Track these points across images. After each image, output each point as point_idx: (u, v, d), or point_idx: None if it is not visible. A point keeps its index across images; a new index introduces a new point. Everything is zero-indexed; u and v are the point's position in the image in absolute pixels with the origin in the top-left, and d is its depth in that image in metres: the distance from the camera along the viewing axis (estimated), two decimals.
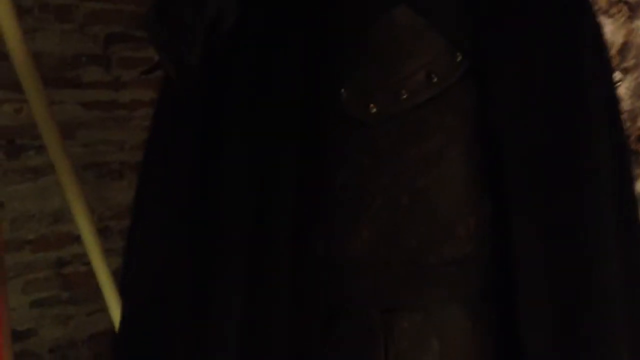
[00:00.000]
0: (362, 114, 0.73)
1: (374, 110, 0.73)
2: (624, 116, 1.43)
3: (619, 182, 0.79)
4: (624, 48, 1.43)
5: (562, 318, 0.73)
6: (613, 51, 1.44)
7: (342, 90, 0.73)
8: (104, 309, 1.31)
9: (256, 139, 0.73)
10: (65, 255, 2.16)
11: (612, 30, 1.44)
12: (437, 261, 0.73)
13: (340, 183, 0.73)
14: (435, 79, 0.73)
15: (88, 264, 1.60)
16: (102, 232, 2.28)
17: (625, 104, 1.43)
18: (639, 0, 1.43)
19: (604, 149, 0.77)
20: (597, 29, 0.83)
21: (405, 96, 0.73)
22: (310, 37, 0.73)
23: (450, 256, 0.73)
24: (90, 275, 1.49)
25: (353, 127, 0.73)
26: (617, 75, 1.44)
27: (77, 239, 1.93)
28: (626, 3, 1.44)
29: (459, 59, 0.73)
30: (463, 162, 0.73)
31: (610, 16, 1.45)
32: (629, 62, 1.43)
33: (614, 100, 0.83)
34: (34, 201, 2.03)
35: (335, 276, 0.75)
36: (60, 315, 2.16)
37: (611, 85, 0.84)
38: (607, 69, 0.83)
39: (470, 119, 0.73)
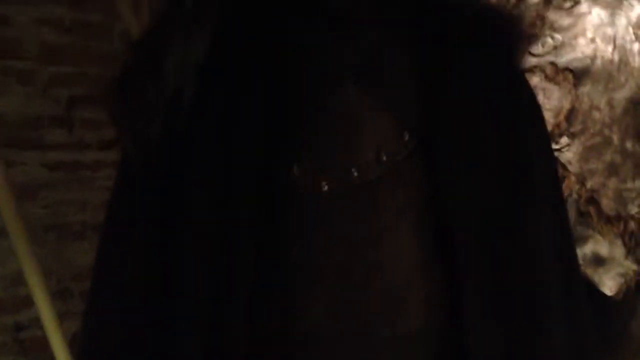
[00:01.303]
0: (313, 190, 0.76)
1: (326, 187, 0.75)
2: (573, 179, 1.50)
3: (564, 252, 0.83)
4: (571, 114, 1.51)
5: None
6: (560, 117, 1.51)
7: (295, 166, 0.76)
8: None
9: (212, 212, 0.74)
10: (22, 319, 2.14)
11: (558, 97, 1.52)
12: (390, 335, 0.75)
13: (295, 258, 0.76)
14: (384, 158, 0.76)
15: None
16: (63, 294, 2.26)
17: (574, 167, 1.49)
18: (584, 68, 1.52)
19: (549, 216, 0.81)
20: (535, 101, 0.87)
21: (355, 174, 0.75)
22: (267, 113, 0.76)
23: (403, 330, 0.75)
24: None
25: (305, 204, 0.76)
26: (564, 139, 1.51)
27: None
28: (571, 71, 1.52)
29: (406, 137, 0.77)
30: (413, 236, 0.76)
31: (557, 83, 1.53)
32: (576, 127, 1.50)
33: (555, 170, 0.88)
34: None
35: (290, 350, 0.76)
36: None
37: (551, 155, 0.88)
38: (546, 138, 0.87)
39: (419, 194, 0.77)
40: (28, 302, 2.13)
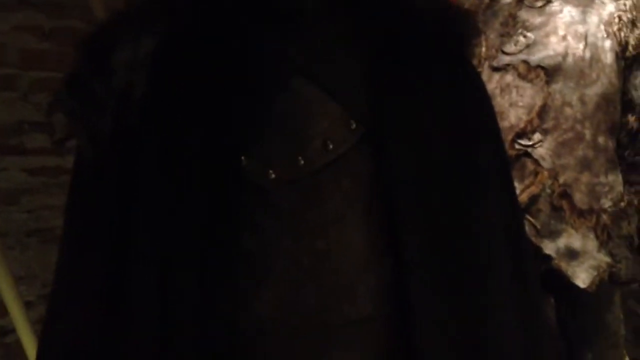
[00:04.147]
0: (261, 179, 0.78)
1: (273, 176, 0.78)
2: (546, 174, 1.55)
3: (513, 239, 0.87)
4: (543, 110, 1.55)
5: None
6: (533, 114, 1.56)
7: (243, 157, 0.78)
8: None
9: (163, 205, 0.77)
10: (7, 324, 2.16)
11: (531, 94, 1.56)
12: (340, 322, 0.78)
13: (243, 248, 0.78)
14: (330, 146, 0.79)
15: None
16: (47, 299, 2.29)
17: (547, 163, 1.54)
18: (556, 65, 1.56)
19: (497, 206, 0.85)
20: (483, 92, 0.90)
21: (302, 162, 0.78)
22: (214, 107, 0.78)
23: (352, 317, 0.78)
24: None
25: (254, 193, 0.78)
26: (537, 136, 1.55)
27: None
28: (543, 68, 1.56)
29: (353, 126, 0.79)
30: (361, 225, 0.79)
31: (529, 81, 1.57)
32: (549, 124, 1.55)
33: (504, 159, 0.91)
34: None
35: (242, 339, 0.79)
36: None
37: (499, 144, 0.91)
38: (494, 128, 0.90)
39: (366, 183, 0.79)
40: None
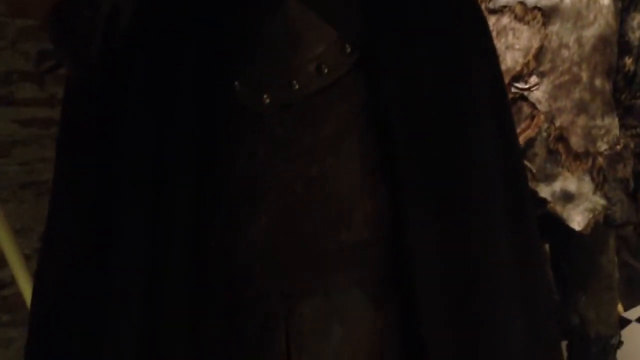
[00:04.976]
0: (255, 104, 0.78)
1: (267, 101, 0.78)
2: (542, 117, 1.54)
3: (510, 173, 0.87)
4: (540, 53, 1.54)
5: (456, 299, 0.79)
6: (529, 56, 1.54)
7: (236, 82, 0.78)
8: None
9: (154, 132, 0.77)
10: (4, 276, 2.17)
11: (528, 36, 1.55)
12: (335, 247, 0.78)
13: (237, 173, 0.78)
14: (325, 70, 0.78)
15: None
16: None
17: (543, 106, 1.53)
18: (553, 6, 1.54)
19: (489, 133, 0.84)
20: (480, 18, 0.89)
21: (297, 87, 0.78)
22: (206, 31, 0.77)
23: (347, 242, 0.79)
24: None
25: (248, 119, 0.78)
26: (534, 79, 1.54)
27: None
28: (540, 10, 1.54)
29: (348, 50, 0.79)
30: (357, 151, 0.79)
31: (526, 23, 1.55)
32: (545, 66, 1.53)
33: (499, 89, 0.90)
34: None
35: (235, 265, 0.79)
36: (1, 339, 2.17)
37: (497, 81, 0.91)
38: (490, 60, 0.90)
39: (362, 109, 0.79)
40: None
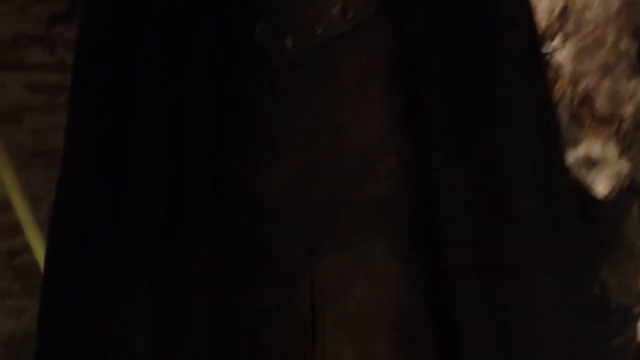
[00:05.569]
0: (277, 49, 0.76)
1: (290, 45, 0.75)
2: (566, 81, 1.51)
3: (539, 122, 0.83)
4: (564, 14, 1.50)
5: (485, 253, 0.77)
6: (553, 17, 1.51)
7: (257, 27, 0.76)
8: None
9: (174, 81, 0.75)
10: (16, 245, 2.17)
11: None
12: (359, 200, 0.76)
13: (259, 125, 0.76)
14: (350, 13, 0.76)
15: None
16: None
17: (567, 69, 1.50)
18: None
19: (522, 87, 0.81)
20: None
21: (320, 30, 0.76)
22: None
23: (372, 194, 0.77)
24: None
25: (271, 65, 0.76)
26: (557, 41, 1.51)
27: None
28: None
29: None
30: (382, 100, 0.76)
31: None
32: (569, 28, 1.50)
33: (535, 45, 0.87)
34: None
35: (257, 219, 0.77)
36: (13, 308, 2.17)
37: (532, 30, 0.87)
38: (526, 15, 0.86)
39: (386, 55, 0.77)
40: (21, 228, 2.16)
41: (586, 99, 1.50)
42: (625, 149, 1.51)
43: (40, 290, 0.85)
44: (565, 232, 0.85)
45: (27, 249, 2.28)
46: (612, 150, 1.51)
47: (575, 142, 1.51)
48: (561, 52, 1.50)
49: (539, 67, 0.88)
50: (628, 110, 1.52)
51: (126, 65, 0.77)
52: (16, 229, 2.26)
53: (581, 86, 1.50)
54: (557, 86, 1.52)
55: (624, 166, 1.51)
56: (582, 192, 1.53)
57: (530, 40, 0.86)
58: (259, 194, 0.77)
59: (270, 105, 0.76)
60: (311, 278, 0.76)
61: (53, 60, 2.06)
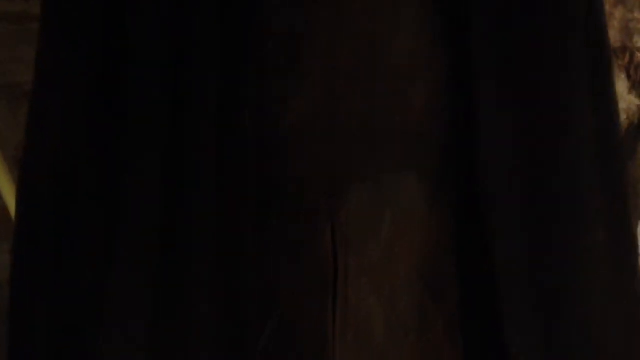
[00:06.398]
0: None
1: None
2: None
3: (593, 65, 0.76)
4: None
5: (530, 187, 0.71)
6: None
7: None
8: None
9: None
10: None
11: None
12: (387, 130, 0.70)
13: (271, 45, 0.68)
14: None
15: None
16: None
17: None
18: None
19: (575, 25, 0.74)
20: None
21: None
22: None
23: (401, 121, 0.70)
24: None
25: None
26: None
27: None
28: None
29: None
30: (418, 15, 0.69)
31: None
32: None
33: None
34: None
35: (272, 148, 0.70)
36: None
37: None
38: None
39: None
40: None
41: None
42: (636, 83, 1.47)
43: (14, 240, 0.76)
44: (618, 189, 0.79)
45: None
46: (622, 84, 1.46)
47: None
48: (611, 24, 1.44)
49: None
50: None
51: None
52: None
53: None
54: None
55: (634, 101, 1.47)
56: None
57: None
58: (274, 119, 0.69)
59: (285, 22, 0.68)
60: (332, 216, 0.70)
61: None
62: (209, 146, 0.66)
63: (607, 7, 1.45)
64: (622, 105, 1.49)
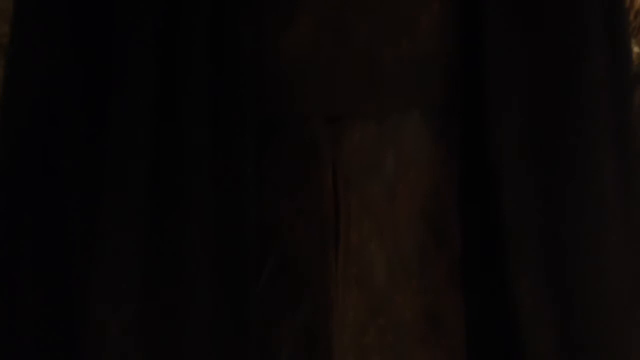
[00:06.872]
0: None
1: None
2: None
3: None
4: None
5: (541, 136, 0.69)
6: None
7: None
8: None
9: None
10: None
11: None
12: (392, 59, 0.67)
13: None
14: None
15: None
16: None
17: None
18: None
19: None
20: None
21: None
22: None
23: (407, 53, 0.67)
24: None
25: None
26: None
27: None
28: None
29: None
30: None
31: None
32: None
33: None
34: None
35: (267, 79, 0.66)
36: None
37: None
38: None
39: None
40: None
41: None
42: (635, 30, 1.45)
43: None
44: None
45: None
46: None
47: None
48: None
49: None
50: None
51: None
52: None
53: None
54: None
55: (632, 49, 1.44)
56: None
57: None
58: (272, 49, 0.66)
59: None
60: (333, 152, 0.67)
61: None
62: (203, 76, 0.62)
63: None
64: None
